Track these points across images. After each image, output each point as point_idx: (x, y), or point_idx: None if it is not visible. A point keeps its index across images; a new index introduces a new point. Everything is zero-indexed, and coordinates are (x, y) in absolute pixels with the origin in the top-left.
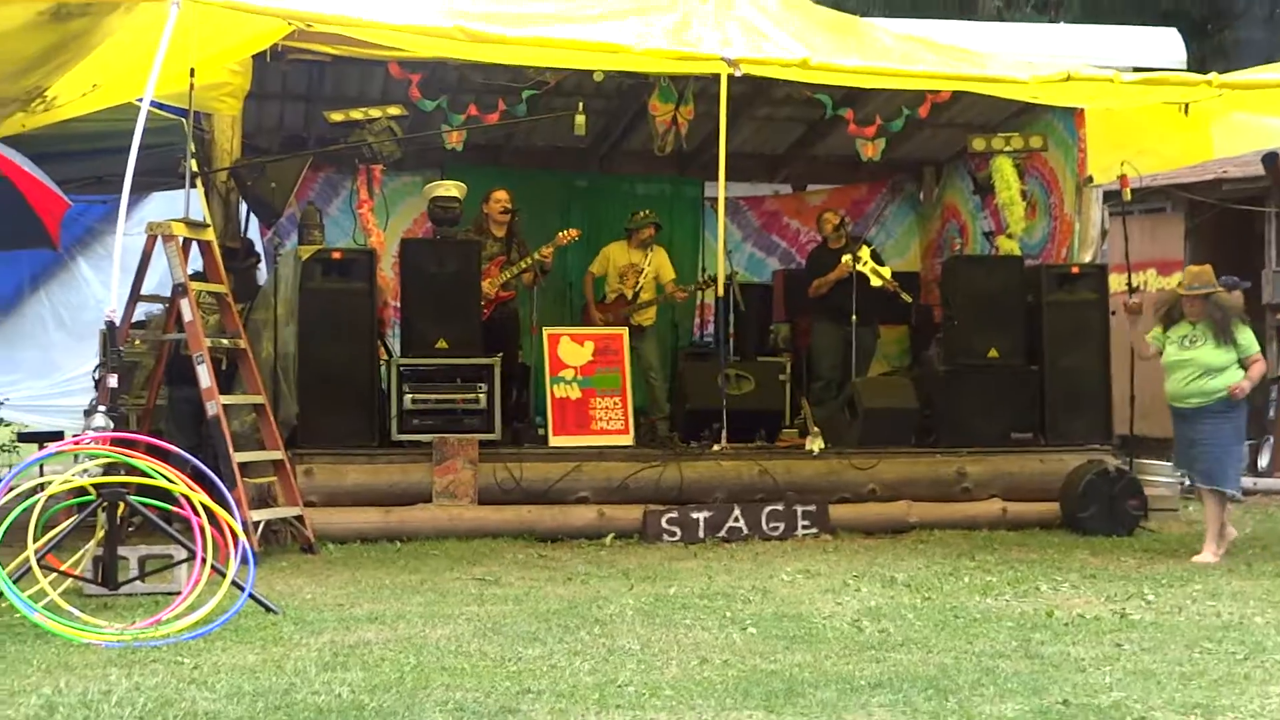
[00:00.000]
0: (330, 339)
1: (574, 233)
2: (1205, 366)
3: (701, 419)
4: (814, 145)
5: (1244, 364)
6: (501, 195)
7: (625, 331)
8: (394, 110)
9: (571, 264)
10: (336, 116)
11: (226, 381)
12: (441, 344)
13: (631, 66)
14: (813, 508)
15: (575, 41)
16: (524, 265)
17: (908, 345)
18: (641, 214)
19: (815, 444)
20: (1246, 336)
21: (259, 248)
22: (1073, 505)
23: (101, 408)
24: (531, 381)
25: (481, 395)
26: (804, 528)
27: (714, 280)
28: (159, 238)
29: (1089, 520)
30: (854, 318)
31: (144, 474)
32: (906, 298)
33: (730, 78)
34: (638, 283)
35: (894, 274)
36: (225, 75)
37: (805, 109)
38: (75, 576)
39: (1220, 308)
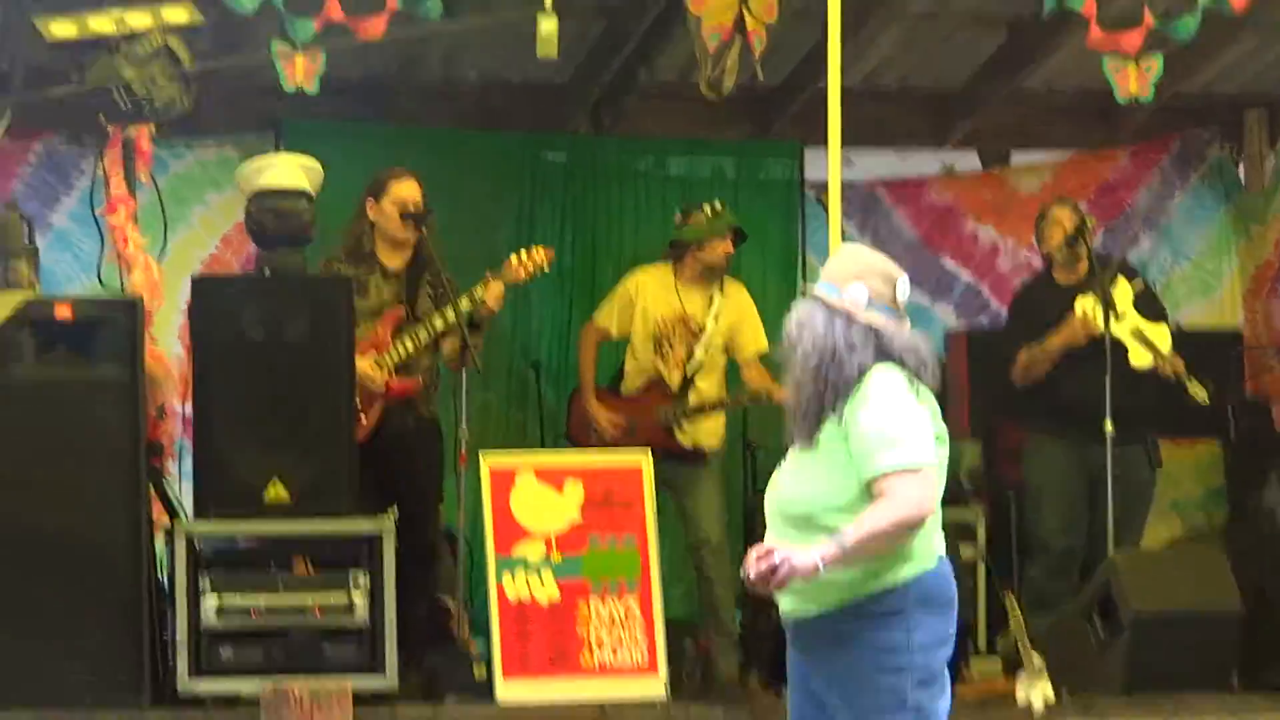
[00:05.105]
0: (48, 484)
1: (542, 254)
2: (783, 510)
3: None
4: (1020, 72)
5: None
6: (405, 187)
7: (646, 459)
8: (176, 14)
9: (541, 318)
10: (61, 29)
11: None
12: (276, 491)
13: None
14: None
15: None
16: (442, 322)
17: (1220, 482)
18: (707, 210)
19: (1037, 691)
20: (867, 432)
21: None
22: None
23: None
24: (461, 565)
25: (359, 597)
26: None
27: None
28: None
29: None
30: (1108, 426)
31: None
32: (1200, 393)
33: None
34: (692, 356)
35: (1181, 336)
36: None
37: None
38: None
39: (815, 355)
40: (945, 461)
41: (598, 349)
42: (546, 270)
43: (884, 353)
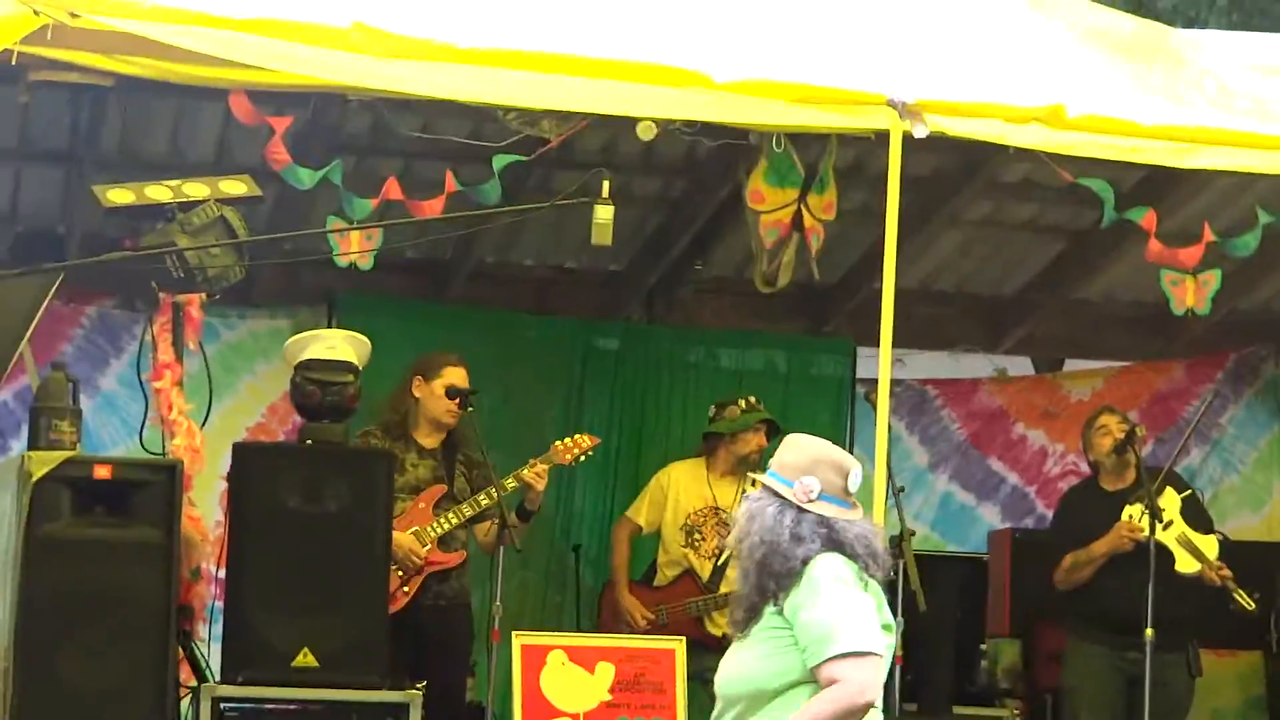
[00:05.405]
0: (82, 639)
1: (587, 441)
2: (723, 694)
3: None
4: (1077, 281)
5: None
6: (456, 374)
7: (680, 645)
8: (234, 186)
9: (584, 501)
10: (118, 196)
11: None
12: (305, 659)
13: (713, 116)
14: None
15: (590, 60)
16: (484, 502)
17: (1261, 692)
18: (740, 404)
19: None
20: (814, 620)
21: None
22: None
23: None
24: None
25: None
26: None
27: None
28: None
29: None
30: (1148, 634)
31: None
32: (1247, 603)
33: (909, 140)
34: (721, 548)
35: (1229, 546)
36: None
37: (1062, 207)
38: None
39: (763, 547)
40: (892, 649)
41: (631, 543)
42: (591, 455)
43: (834, 543)
